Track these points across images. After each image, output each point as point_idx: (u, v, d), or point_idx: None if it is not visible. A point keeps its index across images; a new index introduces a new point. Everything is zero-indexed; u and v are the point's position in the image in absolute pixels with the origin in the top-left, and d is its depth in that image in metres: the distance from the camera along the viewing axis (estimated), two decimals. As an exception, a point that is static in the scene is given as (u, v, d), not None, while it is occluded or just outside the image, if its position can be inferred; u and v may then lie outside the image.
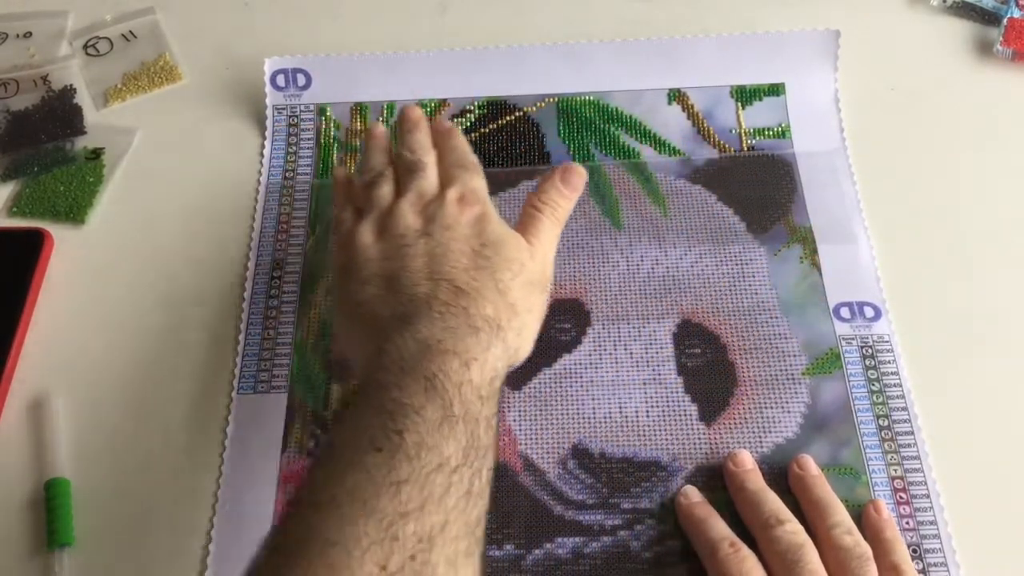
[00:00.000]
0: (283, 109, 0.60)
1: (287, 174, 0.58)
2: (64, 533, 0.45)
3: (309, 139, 0.59)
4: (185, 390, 0.50)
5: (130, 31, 0.65)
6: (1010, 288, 0.52)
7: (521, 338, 0.43)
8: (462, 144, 0.49)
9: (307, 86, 0.60)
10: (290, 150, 0.58)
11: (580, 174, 0.48)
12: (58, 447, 0.48)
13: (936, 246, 0.53)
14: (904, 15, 0.63)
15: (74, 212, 0.57)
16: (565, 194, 0.47)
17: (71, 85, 0.62)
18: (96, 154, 0.59)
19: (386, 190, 0.47)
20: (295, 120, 0.59)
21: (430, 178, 0.47)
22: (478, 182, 0.47)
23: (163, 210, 0.57)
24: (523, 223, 0.47)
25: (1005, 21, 0.61)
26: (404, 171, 0.48)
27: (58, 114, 0.60)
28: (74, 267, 0.55)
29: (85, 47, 0.64)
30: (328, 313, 0.52)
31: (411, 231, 0.44)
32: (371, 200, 0.47)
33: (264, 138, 0.59)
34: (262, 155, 0.58)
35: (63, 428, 0.49)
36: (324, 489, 0.35)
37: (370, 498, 0.34)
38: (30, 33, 0.65)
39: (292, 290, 0.53)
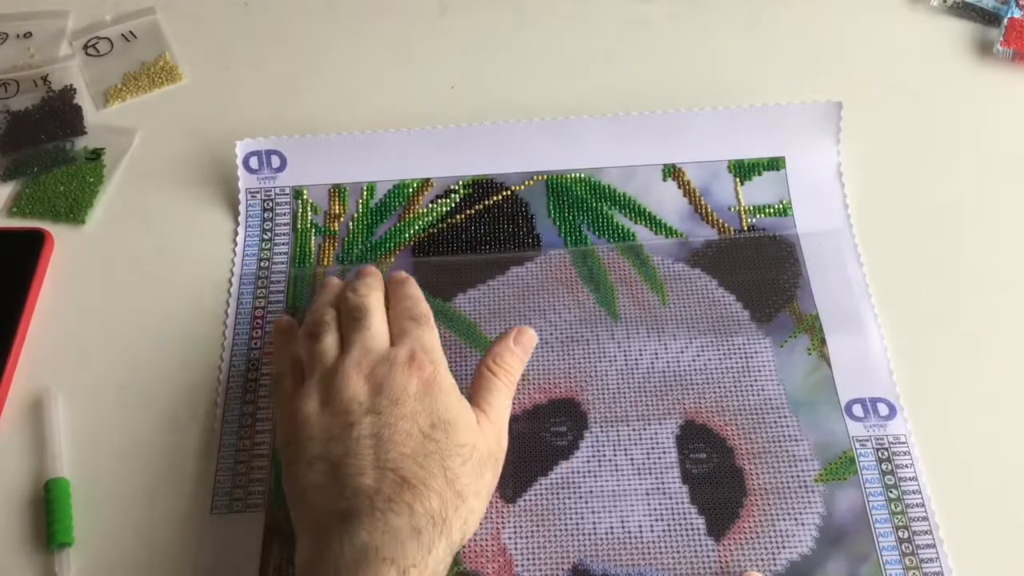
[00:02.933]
0: (257, 192, 0.56)
1: (262, 263, 0.54)
2: (64, 533, 0.45)
3: (285, 224, 0.56)
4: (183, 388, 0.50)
5: (130, 31, 0.65)
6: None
7: (467, 525, 0.41)
8: (415, 292, 0.47)
9: (282, 168, 0.57)
10: (265, 236, 0.55)
11: (532, 337, 0.48)
12: (58, 447, 0.48)
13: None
14: (904, 15, 0.64)
15: (74, 212, 0.56)
16: (518, 355, 0.47)
17: (71, 85, 0.62)
18: (96, 154, 0.59)
19: (329, 342, 0.45)
20: (270, 204, 0.56)
21: (376, 328, 0.45)
22: (429, 337, 0.45)
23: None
24: (477, 386, 0.45)
25: (1005, 21, 0.61)
26: (348, 319, 0.45)
27: (58, 114, 0.60)
28: (74, 267, 0.55)
29: (85, 47, 0.65)
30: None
31: (355, 404, 0.41)
32: (313, 355, 0.44)
33: (237, 224, 0.56)
34: (235, 242, 0.55)
35: (63, 428, 0.49)
36: None
37: None
38: (30, 33, 0.65)
39: (269, 394, 0.50)
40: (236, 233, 0.55)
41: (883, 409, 0.48)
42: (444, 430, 0.41)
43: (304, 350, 0.45)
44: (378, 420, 0.41)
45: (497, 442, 0.44)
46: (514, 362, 0.46)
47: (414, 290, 0.48)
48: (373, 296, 0.46)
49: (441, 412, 0.42)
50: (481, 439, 0.42)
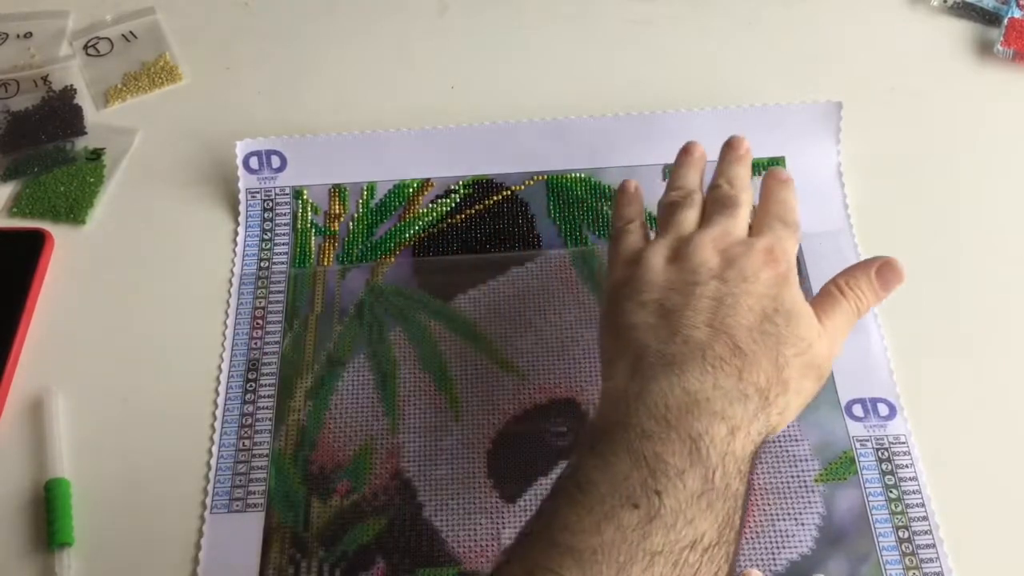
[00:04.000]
0: (257, 192, 0.56)
1: (262, 263, 0.54)
2: (64, 533, 0.45)
3: (285, 224, 0.56)
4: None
5: (130, 31, 0.65)
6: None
7: (782, 418, 0.40)
8: (790, 199, 0.45)
9: (282, 168, 0.57)
10: (265, 236, 0.55)
11: (899, 275, 0.44)
12: (58, 447, 0.48)
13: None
14: (904, 15, 0.64)
15: (74, 212, 0.56)
16: (876, 290, 0.44)
17: (71, 85, 0.62)
18: (96, 154, 0.59)
19: (691, 215, 0.44)
20: (270, 204, 0.56)
21: (741, 219, 0.44)
22: (792, 243, 0.43)
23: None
24: (821, 300, 0.43)
25: (1005, 21, 0.61)
26: (715, 203, 0.45)
27: (58, 114, 0.60)
28: (74, 267, 0.55)
29: (85, 47, 0.65)
30: (308, 420, 0.49)
31: (705, 268, 0.41)
32: (672, 221, 0.44)
33: (237, 224, 0.56)
34: (235, 242, 0.55)
35: (63, 428, 0.49)
36: (581, 536, 0.33)
37: (626, 563, 0.33)
38: (30, 33, 0.65)
39: (269, 394, 0.50)
40: (236, 233, 0.55)
41: (883, 409, 0.48)
42: (786, 318, 0.40)
43: (662, 215, 0.45)
44: (723, 287, 0.40)
45: (829, 356, 0.42)
46: (868, 291, 0.44)
47: (790, 196, 0.46)
48: (746, 194, 0.45)
49: (787, 303, 0.40)
50: (817, 342, 0.41)
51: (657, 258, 0.42)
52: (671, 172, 0.48)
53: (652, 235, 0.45)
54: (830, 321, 0.42)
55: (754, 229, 0.44)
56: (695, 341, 0.39)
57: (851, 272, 0.44)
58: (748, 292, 0.40)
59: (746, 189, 0.46)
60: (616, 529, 0.33)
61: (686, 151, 0.49)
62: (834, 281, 0.44)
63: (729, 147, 0.48)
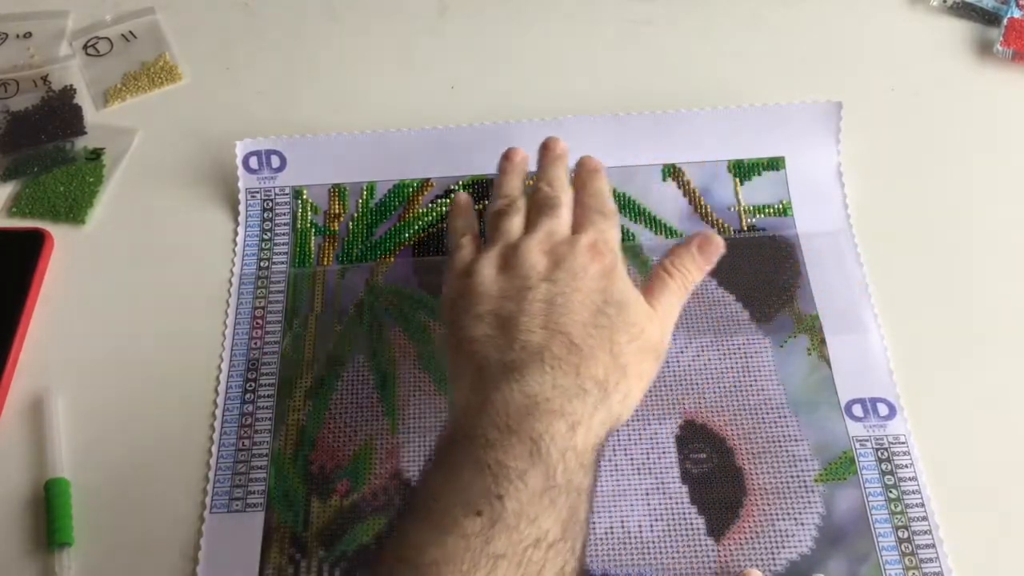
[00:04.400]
0: (257, 192, 0.56)
1: (262, 263, 0.54)
2: (64, 533, 0.45)
3: (285, 224, 0.56)
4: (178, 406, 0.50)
5: (130, 31, 0.65)
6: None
7: (624, 405, 0.41)
8: (604, 188, 0.48)
9: (282, 168, 0.57)
10: (264, 236, 0.55)
11: (717, 246, 0.46)
12: (58, 447, 0.48)
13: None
14: (904, 15, 0.64)
15: (74, 212, 0.56)
16: (699, 264, 0.46)
17: (71, 85, 0.62)
18: (96, 154, 0.59)
19: (516, 222, 0.46)
20: (270, 204, 0.56)
21: (563, 219, 0.45)
22: (613, 232, 0.45)
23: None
24: (651, 284, 0.45)
25: (1005, 21, 0.61)
26: (537, 206, 0.46)
27: (58, 114, 0.60)
28: (74, 267, 0.55)
29: (85, 47, 0.65)
30: (308, 420, 0.49)
31: (535, 272, 0.42)
32: (498, 230, 0.46)
33: (237, 224, 0.56)
34: (235, 242, 0.55)
35: (63, 428, 0.49)
36: (423, 550, 0.35)
37: (469, 570, 0.34)
38: (30, 33, 0.65)
39: (268, 394, 0.50)
40: (236, 233, 0.55)
41: (883, 409, 0.48)
42: (617, 308, 0.41)
43: (490, 224, 0.47)
44: (553, 288, 0.41)
45: (662, 337, 0.43)
46: (692, 267, 0.45)
47: (603, 185, 0.48)
48: (566, 194, 0.47)
49: (615, 294, 0.42)
50: (649, 325, 0.42)
51: (488, 269, 0.43)
52: (496, 181, 0.50)
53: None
54: (659, 303, 0.44)
55: (575, 225, 0.45)
56: (533, 345, 0.40)
57: (675, 252, 0.46)
58: (578, 289, 0.42)
59: (565, 189, 0.47)
60: (460, 538, 0.34)
61: (507, 158, 0.50)
62: (660, 264, 0.45)
63: (546, 148, 0.50)
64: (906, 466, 0.46)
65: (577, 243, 0.43)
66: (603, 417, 0.39)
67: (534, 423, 0.37)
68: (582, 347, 0.40)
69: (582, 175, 0.48)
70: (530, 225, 0.46)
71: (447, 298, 0.45)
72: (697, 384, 0.49)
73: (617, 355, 0.41)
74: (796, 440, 0.47)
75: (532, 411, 0.37)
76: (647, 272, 0.53)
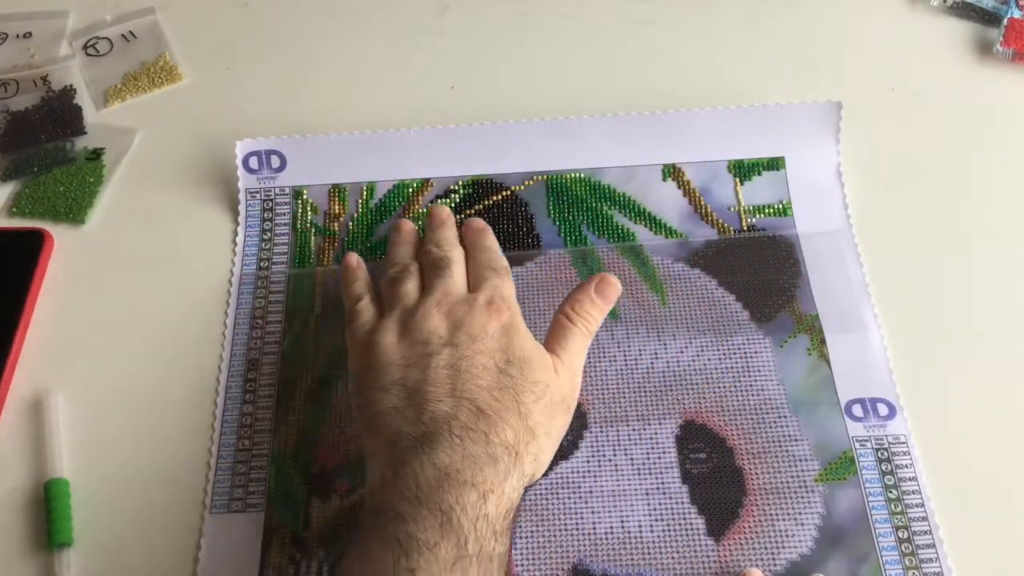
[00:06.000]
0: (256, 193, 0.56)
1: (262, 263, 0.54)
2: (63, 533, 0.45)
3: (285, 224, 0.56)
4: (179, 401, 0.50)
5: (130, 31, 0.65)
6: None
7: (537, 463, 0.42)
8: (493, 245, 0.49)
9: (282, 168, 0.57)
10: (264, 236, 0.55)
11: (615, 287, 0.47)
12: (58, 447, 0.48)
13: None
14: (904, 15, 0.64)
15: (74, 212, 0.57)
16: (599, 305, 0.46)
17: (71, 85, 0.62)
18: (96, 154, 0.59)
19: (411, 286, 0.46)
20: (270, 204, 0.56)
21: (457, 277, 0.46)
22: (508, 288, 0.46)
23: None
24: (553, 334, 0.45)
25: (1005, 21, 0.62)
26: (430, 267, 0.47)
27: (58, 114, 0.61)
28: (74, 267, 0.55)
29: (85, 47, 0.65)
30: (308, 420, 0.49)
31: (435, 337, 0.42)
32: (395, 296, 0.46)
33: (237, 224, 0.56)
34: (235, 243, 0.55)
35: (63, 428, 0.49)
36: None
37: None
38: (30, 33, 0.65)
39: (269, 394, 0.50)
40: (236, 233, 0.55)
41: (883, 409, 0.48)
42: (520, 367, 0.42)
43: (385, 292, 0.47)
44: (456, 352, 0.42)
45: (570, 387, 0.44)
46: (593, 311, 0.46)
47: (492, 242, 0.49)
48: (456, 251, 0.48)
49: (517, 351, 0.42)
50: (555, 380, 0.43)
51: (389, 337, 0.43)
52: (387, 252, 0.50)
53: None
54: (565, 352, 0.44)
55: (470, 284, 0.46)
56: (441, 415, 0.40)
57: (574, 297, 0.46)
58: (480, 351, 0.42)
59: (454, 247, 0.48)
60: None
61: (396, 229, 0.51)
62: (561, 310, 0.46)
63: (430, 216, 0.52)
64: (906, 466, 0.46)
65: (475, 302, 0.44)
66: (515, 482, 0.40)
67: (444, 495, 0.37)
68: (489, 413, 0.40)
69: (471, 235, 0.50)
70: (425, 288, 0.46)
71: (353, 372, 0.45)
72: (697, 384, 0.49)
73: (525, 416, 0.41)
74: (796, 440, 0.47)
75: (442, 483, 0.37)
76: (647, 273, 0.53)
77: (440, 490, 0.37)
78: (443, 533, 0.36)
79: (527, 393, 0.42)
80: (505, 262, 0.48)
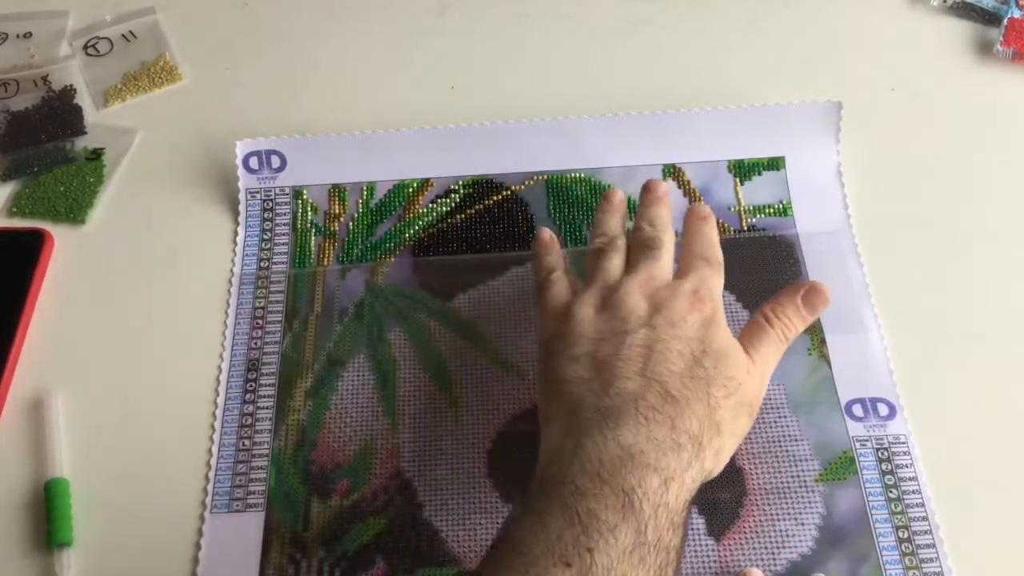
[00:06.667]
0: (257, 193, 0.56)
1: (262, 263, 0.54)
2: (63, 533, 0.45)
3: (285, 224, 0.56)
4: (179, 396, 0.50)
5: (130, 31, 0.65)
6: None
7: (717, 460, 0.40)
8: (713, 236, 0.46)
9: (282, 168, 0.57)
10: (265, 236, 0.55)
11: (825, 298, 0.44)
12: (58, 447, 0.48)
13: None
14: (904, 15, 0.64)
15: (74, 212, 0.57)
16: (804, 316, 0.44)
17: (71, 85, 0.62)
18: (96, 154, 0.59)
19: (616, 262, 0.45)
20: (270, 204, 0.56)
21: (665, 261, 0.45)
22: (716, 280, 0.44)
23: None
24: (750, 332, 0.44)
25: (1005, 21, 0.62)
26: (638, 246, 0.46)
27: (58, 114, 0.60)
28: (74, 267, 0.55)
29: (85, 47, 0.65)
30: (308, 420, 0.49)
31: (634, 316, 0.41)
32: (599, 269, 0.45)
33: (237, 224, 0.56)
34: (235, 242, 0.55)
35: (63, 428, 0.49)
36: None
37: None
38: (30, 33, 0.65)
39: (269, 394, 0.50)
40: (236, 233, 0.55)
41: (883, 409, 0.48)
42: (715, 360, 0.41)
43: (590, 263, 0.46)
44: (652, 334, 0.41)
45: (759, 389, 0.43)
46: (795, 318, 0.44)
47: (712, 232, 0.47)
48: (668, 234, 0.46)
49: (715, 344, 0.41)
50: (747, 379, 0.42)
51: (586, 309, 0.43)
52: (595, 219, 0.49)
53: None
54: (758, 353, 0.43)
55: (681, 269, 0.45)
56: (628, 392, 0.39)
57: (778, 300, 0.45)
58: (677, 337, 0.41)
59: (667, 229, 0.46)
60: None
61: (607, 198, 0.50)
62: (761, 311, 0.44)
63: (647, 190, 0.49)
64: (906, 466, 0.46)
65: (679, 289, 0.42)
66: (695, 474, 0.38)
67: (627, 475, 0.36)
68: (678, 399, 0.39)
69: (692, 220, 0.47)
70: (631, 266, 0.45)
71: (542, 337, 0.44)
72: (697, 384, 0.49)
73: (713, 409, 0.40)
74: (796, 440, 0.47)
75: (626, 463, 0.36)
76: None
77: (623, 469, 0.36)
78: (624, 516, 0.35)
79: (719, 387, 0.40)
80: (719, 253, 0.46)
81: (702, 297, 0.42)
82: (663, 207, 0.48)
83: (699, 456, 0.38)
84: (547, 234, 0.49)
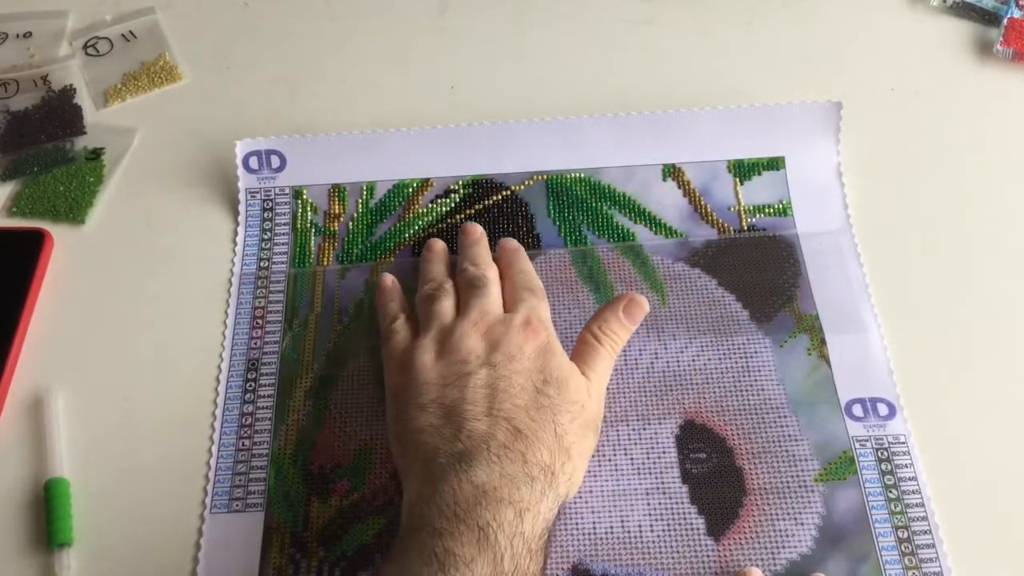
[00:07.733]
0: (256, 192, 0.56)
1: (262, 263, 0.54)
2: (63, 533, 0.45)
3: (285, 224, 0.56)
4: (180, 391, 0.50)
5: (130, 31, 0.65)
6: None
7: (571, 483, 0.42)
8: (528, 266, 0.49)
9: (282, 168, 0.57)
10: (264, 236, 0.55)
11: (643, 307, 0.47)
12: (58, 447, 0.48)
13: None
14: (904, 15, 0.64)
15: (74, 212, 0.57)
16: (626, 326, 0.47)
17: (71, 85, 0.62)
18: (96, 154, 0.59)
19: (447, 305, 0.47)
20: (270, 204, 0.56)
21: (493, 295, 0.46)
22: (543, 308, 0.46)
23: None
24: (580, 353, 0.46)
25: (1005, 21, 0.62)
26: (466, 286, 0.47)
27: (58, 114, 0.60)
28: (74, 267, 0.55)
29: (85, 47, 0.65)
30: (308, 420, 0.49)
31: (473, 356, 0.43)
32: (431, 315, 0.46)
33: (237, 224, 0.56)
34: (235, 242, 0.55)
35: (63, 427, 0.49)
36: None
37: None
38: (30, 33, 0.65)
39: (269, 394, 0.50)
40: (236, 233, 0.55)
41: (883, 409, 0.48)
42: (556, 387, 0.42)
43: (422, 310, 0.47)
44: (493, 372, 0.42)
45: (599, 407, 0.45)
46: (620, 331, 0.46)
47: (527, 263, 0.50)
48: (492, 271, 0.48)
49: (554, 371, 0.43)
50: (588, 400, 0.43)
51: (426, 356, 0.44)
52: (420, 270, 0.51)
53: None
54: (594, 372, 0.45)
55: (507, 304, 0.46)
56: (478, 434, 0.40)
57: (602, 317, 0.47)
58: (517, 372, 0.43)
59: (490, 266, 0.49)
60: None
61: (428, 248, 0.52)
62: (588, 329, 0.46)
63: (464, 233, 0.52)
64: (906, 466, 0.46)
65: (511, 322, 0.44)
66: (550, 502, 0.40)
67: (482, 511, 0.37)
68: (527, 433, 0.41)
69: (506, 256, 0.50)
70: (462, 306, 0.46)
71: (389, 392, 0.46)
72: (697, 384, 0.49)
73: (561, 436, 0.41)
74: (796, 440, 0.47)
75: (480, 500, 0.38)
76: (648, 272, 0.53)
77: (478, 507, 0.38)
78: (480, 549, 0.36)
79: (563, 414, 0.42)
80: (540, 283, 0.48)
81: (535, 328, 0.44)
82: (482, 247, 0.50)
83: (552, 485, 0.40)
84: (388, 280, 0.50)
